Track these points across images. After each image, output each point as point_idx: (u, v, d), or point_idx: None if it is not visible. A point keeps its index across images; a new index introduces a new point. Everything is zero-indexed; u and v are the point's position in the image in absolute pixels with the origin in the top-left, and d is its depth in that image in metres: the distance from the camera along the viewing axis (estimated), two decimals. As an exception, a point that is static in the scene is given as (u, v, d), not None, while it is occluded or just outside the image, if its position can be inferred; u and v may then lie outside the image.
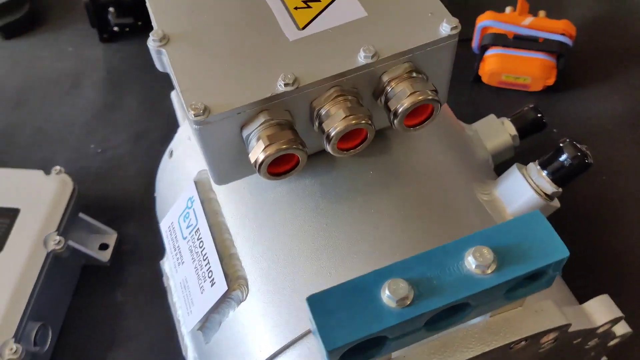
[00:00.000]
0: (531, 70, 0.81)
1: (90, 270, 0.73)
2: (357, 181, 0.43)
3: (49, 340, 0.64)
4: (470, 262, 0.31)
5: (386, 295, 0.30)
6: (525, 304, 0.35)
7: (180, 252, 0.47)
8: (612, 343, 0.45)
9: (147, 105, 0.88)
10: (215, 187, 0.47)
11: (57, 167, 0.70)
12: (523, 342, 0.35)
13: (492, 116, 0.58)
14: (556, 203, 0.48)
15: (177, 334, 0.56)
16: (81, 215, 0.72)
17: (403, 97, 0.39)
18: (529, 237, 0.32)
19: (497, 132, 0.56)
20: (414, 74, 0.39)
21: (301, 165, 0.39)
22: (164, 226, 0.50)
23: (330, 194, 0.43)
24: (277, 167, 0.39)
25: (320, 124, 0.39)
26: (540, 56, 0.81)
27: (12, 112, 0.89)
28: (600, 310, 0.40)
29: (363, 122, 0.38)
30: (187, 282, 0.45)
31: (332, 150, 0.39)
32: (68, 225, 0.68)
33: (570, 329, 0.37)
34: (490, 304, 0.33)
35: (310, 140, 0.40)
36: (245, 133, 0.38)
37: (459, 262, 0.31)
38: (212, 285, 0.43)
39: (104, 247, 0.74)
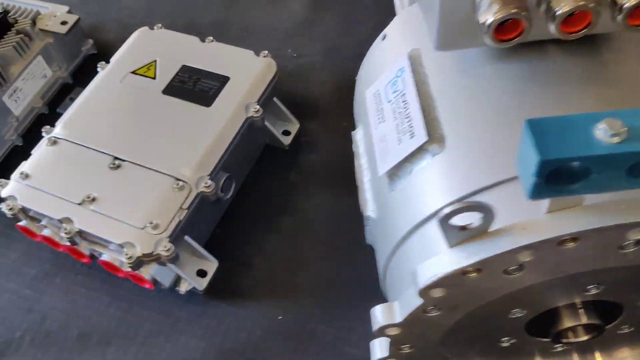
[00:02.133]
0: None
1: (270, 150, 0.82)
2: (566, 73, 0.46)
3: (232, 190, 0.73)
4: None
5: (601, 128, 0.33)
6: None
7: (382, 112, 0.53)
8: None
9: (343, 26, 0.95)
10: (425, 61, 0.52)
11: (265, 52, 0.79)
12: None
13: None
14: None
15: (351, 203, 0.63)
16: (275, 99, 0.81)
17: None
18: None
19: None
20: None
21: (524, 36, 0.43)
22: (369, 93, 0.56)
23: (538, 79, 0.46)
24: (501, 34, 0.43)
25: (549, 3, 0.42)
26: None
27: (225, 10, 1.00)
28: None
29: (591, 5, 0.41)
30: (385, 136, 0.51)
31: (556, 31, 0.43)
32: (265, 102, 0.77)
33: None
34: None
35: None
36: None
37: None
38: (411, 138, 0.48)
39: (286, 133, 0.82)
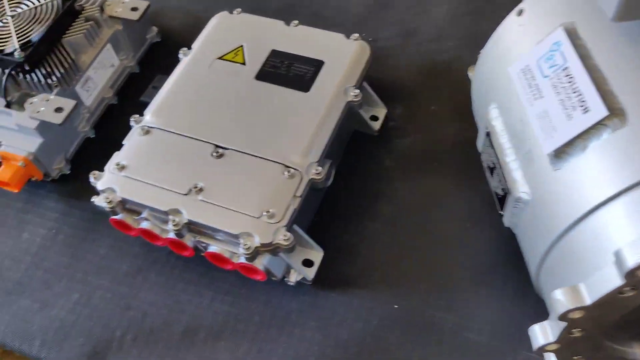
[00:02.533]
0: None
1: (359, 136, 0.79)
2: None
3: (332, 177, 0.71)
4: None
5: None
6: None
7: (538, 88, 0.51)
8: None
9: (417, 7, 0.93)
10: (582, 34, 0.50)
11: (356, 34, 0.76)
12: None
13: None
14: None
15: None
16: (364, 84, 0.78)
17: None
18: None
19: None
20: None
21: None
22: (514, 70, 0.54)
23: None
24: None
25: None
26: None
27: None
28: None
29: None
30: (547, 112, 0.49)
31: None
32: (360, 85, 0.74)
33: None
34: None
35: None
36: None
37: None
38: (584, 112, 0.46)
39: (374, 118, 0.80)
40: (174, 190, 0.64)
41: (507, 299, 0.66)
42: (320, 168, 0.65)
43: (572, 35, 0.50)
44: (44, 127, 0.74)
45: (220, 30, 0.79)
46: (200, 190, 0.64)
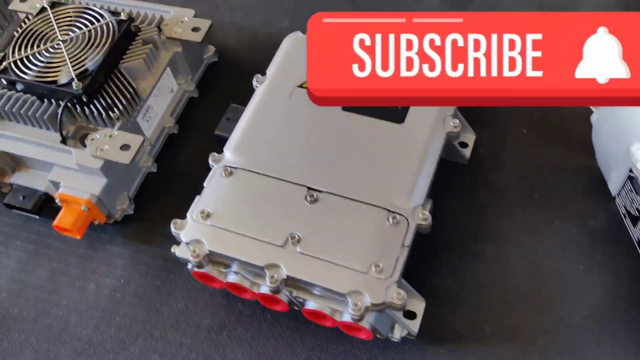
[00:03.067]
0: None
1: (447, 166, 0.73)
2: None
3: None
4: None
5: None
6: None
7: None
8: None
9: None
10: None
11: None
12: None
13: None
14: None
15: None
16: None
17: None
18: None
19: None
20: None
21: None
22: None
23: None
24: None
25: None
26: None
27: (353, 4, 0.90)
28: None
29: None
30: None
31: None
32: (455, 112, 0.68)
33: None
34: None
35: None
36: None
37: None
38: None
39: (463, 145, 0.73)
40: (269, 242, 0.58)
41: (632, 350, 0.60)
42: (426, 212, 0.59)
43: None
44: (108, 167, 0.68)
45: (295, 53, 0.72)
46: (298, 240, 0.58)
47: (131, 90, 0.71)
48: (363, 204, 0.59)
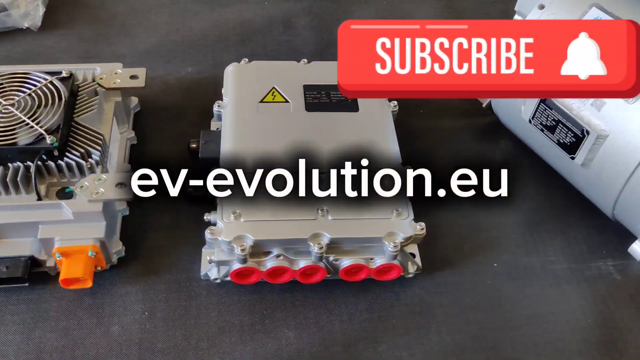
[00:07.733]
0: None
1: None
2: None
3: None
4: None
5: None
6: None
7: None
8: None
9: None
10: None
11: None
12: None
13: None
14: None
15: None
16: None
17: None
18: None
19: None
20: None
21: None
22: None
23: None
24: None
25: None
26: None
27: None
28: None
29: None
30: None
31: None
32: (382, 100, 0.84)
33: None
34: None
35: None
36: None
37: None
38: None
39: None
40: (304, 219, 0.67)
41: None
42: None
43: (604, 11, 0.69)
44: (105, 210, 0.69)
45: (243, 78, 0.82)
46: (327, 211, 0.68)
47: (100, 137, 0.74)
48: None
